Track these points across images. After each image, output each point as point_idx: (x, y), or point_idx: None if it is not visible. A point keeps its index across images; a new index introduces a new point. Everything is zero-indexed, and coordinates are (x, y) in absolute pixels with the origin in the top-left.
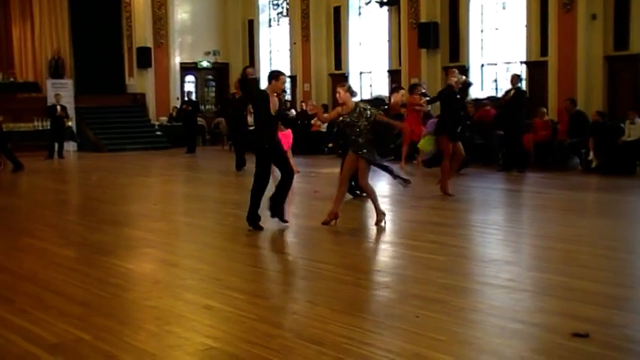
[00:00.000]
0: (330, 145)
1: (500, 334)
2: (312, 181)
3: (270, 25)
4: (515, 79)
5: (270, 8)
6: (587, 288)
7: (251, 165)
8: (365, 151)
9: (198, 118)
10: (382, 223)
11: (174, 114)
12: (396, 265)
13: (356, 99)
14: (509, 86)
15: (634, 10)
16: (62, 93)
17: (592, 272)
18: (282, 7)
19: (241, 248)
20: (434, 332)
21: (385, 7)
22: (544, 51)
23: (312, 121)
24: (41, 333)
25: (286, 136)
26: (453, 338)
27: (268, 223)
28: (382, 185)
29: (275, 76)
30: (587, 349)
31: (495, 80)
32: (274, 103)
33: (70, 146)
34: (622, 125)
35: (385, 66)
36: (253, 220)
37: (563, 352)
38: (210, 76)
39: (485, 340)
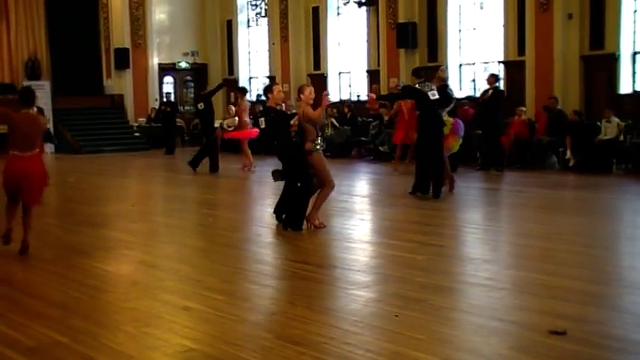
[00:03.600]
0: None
1: (479, 332)
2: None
3: (249, 26)
4: (492, 79)
5: (248, 8)
6: (565, 285)
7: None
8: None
9: (177, 119)
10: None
11: (152, 115)
12: (375, 264)
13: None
14: (487, 86)
15: (609, 10)
16: (39, 94)
17: (569, 270)
18: (261, 8)
19: (220, 249)
20: (413, 331)
21: (364, 8)
22: (521, 50)
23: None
24: (18, 336)
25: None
26: (432, 337)
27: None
28: (361, 185)
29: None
30: (565, 346)
31: (473, 80)
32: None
33: (47, 148)
34: (598, 124)
35: (364, 66)
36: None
37: (541, 350)
38: (188, 77)
39: (463, 339)
